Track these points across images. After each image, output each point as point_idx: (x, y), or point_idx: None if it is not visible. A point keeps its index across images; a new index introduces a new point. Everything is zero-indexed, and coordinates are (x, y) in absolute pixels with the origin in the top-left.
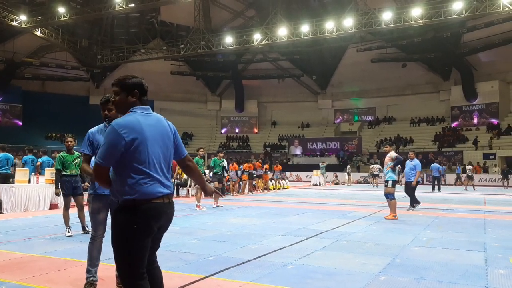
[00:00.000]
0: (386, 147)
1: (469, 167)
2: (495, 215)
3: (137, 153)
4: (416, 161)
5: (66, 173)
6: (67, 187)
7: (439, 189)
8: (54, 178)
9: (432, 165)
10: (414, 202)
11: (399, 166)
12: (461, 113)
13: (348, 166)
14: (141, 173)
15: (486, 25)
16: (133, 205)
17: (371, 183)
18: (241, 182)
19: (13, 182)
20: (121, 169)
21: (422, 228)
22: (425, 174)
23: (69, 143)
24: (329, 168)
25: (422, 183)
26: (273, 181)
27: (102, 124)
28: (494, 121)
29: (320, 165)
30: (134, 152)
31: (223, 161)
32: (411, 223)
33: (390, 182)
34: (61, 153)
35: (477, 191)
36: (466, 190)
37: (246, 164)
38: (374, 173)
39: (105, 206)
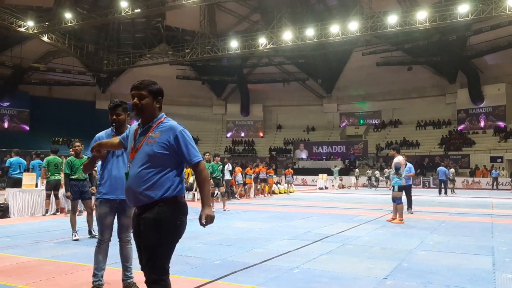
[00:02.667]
0: (391, 152)
1: (451, 170)
2: (502, 218)
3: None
4: (408, 164)
5: (73, 177)
6: (74, 191)
7: (445, 193)
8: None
9: (438, 168)
10: (411, 205)
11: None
12: (468, 116)
13: (357, 170)
14: (182, 173)
15: (492, 28)
16: (176, 201)
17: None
18: (245, 186)
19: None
20: (176, 166)
21: (429, 232)
22: (431, 178)
23: (77, 147)
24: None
25: (429, 187)
26: (285, 184)
27: (110, 129)
28: (501, 124)
29: (332, 169)
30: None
31: (220, 164)
32: (417, 227)
33: (396, 187)
34: (69, 158)
35: (458, 194)
36: (454, 193)
37: (248, 168)
38: (385, 175)
39: (112, 210)
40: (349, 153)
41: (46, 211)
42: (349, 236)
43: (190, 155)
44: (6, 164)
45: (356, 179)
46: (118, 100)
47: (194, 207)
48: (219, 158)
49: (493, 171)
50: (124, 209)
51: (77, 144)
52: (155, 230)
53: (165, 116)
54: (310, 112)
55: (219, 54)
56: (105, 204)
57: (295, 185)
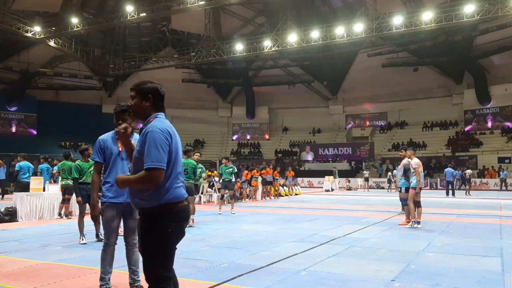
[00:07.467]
0: (401, 152)
1: (468, 171)
2: (511, 220)
3: (173, 157)
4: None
5: (80, 181)
6: (82, 195)
7: (453, 194)
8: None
9: (445, 169)
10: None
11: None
12: (475, 116)
13: (366, 172)
14: (174, 177)
15: (498, 28)
16: (167, 209)
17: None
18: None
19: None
20: None
21: (437, 234)
22: (438, 179)
23: (91, 151)
24: (341, 174)
25: (436, 188)
26: (285, 187)
27: (112, 132)
28: (509, 124)
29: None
30: (172, 155)
31: (231, 167)
32: (425, 228)
33: (403, 189)
34: (77, 162)
35: (472, 195)
36: (467, 194)
37: (254, 170)
38: (393, 179)
39: (119, 214)
40: (355, 155)
41: (59, 214)
42: (356, 238)
43: (147, 157)
44: (16, 168)
45: (366, 180)
46: (124, 104)
47: (200, 210)
48: (226, 161)
49: (501, 172)
50: (131, 212)
51: (91, 148)
52: (142, 238)
53: (155, 116)
54: (315, 114)
55: (225, 57)
56: (112, 208)
57: (301, 187)
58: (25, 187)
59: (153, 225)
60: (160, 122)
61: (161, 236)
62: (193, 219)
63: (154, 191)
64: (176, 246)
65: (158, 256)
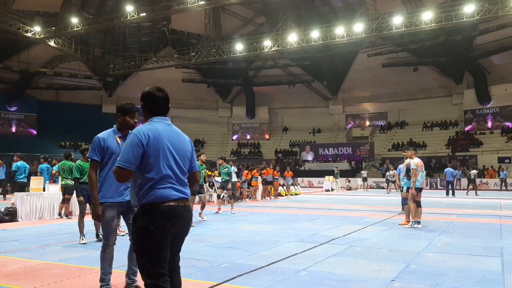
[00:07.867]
0: (404, 153)
1: (473, 171)
2: (511, 220)
3: (152, 159)
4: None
5: (81, 181)
6: (84, 194)
7: (453, 194)
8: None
9: (445, 169)
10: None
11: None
12: (475, 116)
13: (364, 171)
14: (158, 179)
15: (498, 28)
16: (150, 208)
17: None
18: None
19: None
20: (139, 175)
21: (437, 234)
22: (438, 179)
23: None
24: (341, 174)
25: (436, 188)
26: (284, 187)
27: (111, 130)
28: (509, 124)
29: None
30: (150, 158)
31: (227, 167)
32: (425, 228)
33: (404, 189)
34: (78, 161)
35: (464, 196)
36: (473, 194)
37: (255, 170)
38: (391, 179)
39: (118, 214)
40: (355, 155)
41: (60, 214)
42: (356, 238)
43: (118, 156)
44: (13, 169)
45: (365, 180)
46: (132, 104)
47: (196, 210)
48: (222, 161)
49: (501, 172)
50: (133, 210)
51: None
52: (132, 235)
53: (154, 120)
54: (315, 114)
55: (225, 57)
56: (111, 208)
57: (301, 187)
58: (21, 188)
59: (140, 223)
60: (147, 125)
61: (146, 234)
62: (200, 213)
63: (138, 192)
64: (169, 245)
65: (147, 253)
